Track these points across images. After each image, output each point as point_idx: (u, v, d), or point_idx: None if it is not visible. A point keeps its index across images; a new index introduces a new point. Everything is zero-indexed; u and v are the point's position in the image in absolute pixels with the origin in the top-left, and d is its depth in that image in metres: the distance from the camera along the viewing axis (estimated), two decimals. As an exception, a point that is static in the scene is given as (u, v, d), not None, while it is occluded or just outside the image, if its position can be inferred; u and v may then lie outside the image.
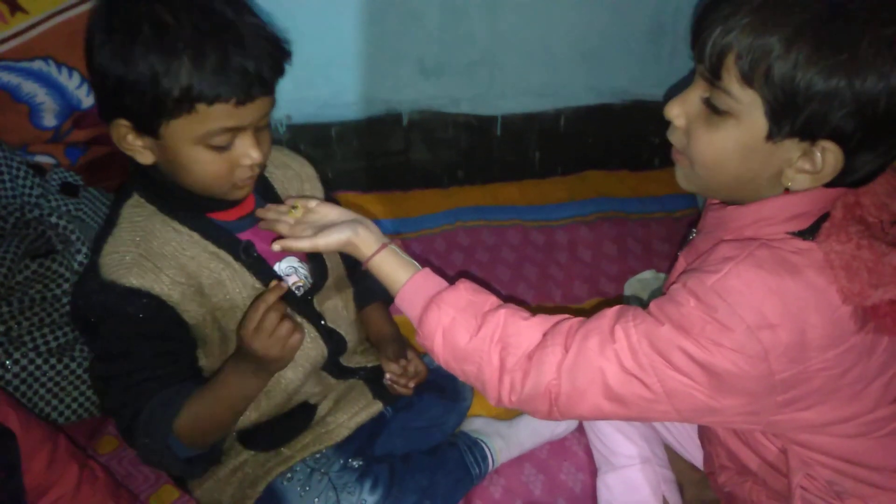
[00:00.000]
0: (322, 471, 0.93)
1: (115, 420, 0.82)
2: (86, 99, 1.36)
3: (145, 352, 0.80)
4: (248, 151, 0.76)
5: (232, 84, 0.70)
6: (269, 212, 0.87)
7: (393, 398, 1.02)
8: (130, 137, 0.75)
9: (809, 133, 0.61)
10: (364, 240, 0.79)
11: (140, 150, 0.76)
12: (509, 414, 1.19)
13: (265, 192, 0.93)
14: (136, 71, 0.69)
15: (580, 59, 1.73)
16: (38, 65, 1.32)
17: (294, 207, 0.86)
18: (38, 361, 1.02)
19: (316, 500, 0.92)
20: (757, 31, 0.59)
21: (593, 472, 1.07)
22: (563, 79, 1.75)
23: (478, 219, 1.70)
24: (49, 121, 1.35)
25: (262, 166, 0.81)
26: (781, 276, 0.63)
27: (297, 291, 0.92)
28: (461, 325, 0.73)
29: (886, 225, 0.66)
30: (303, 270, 0.94)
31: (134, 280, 0.77)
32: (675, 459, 1.04)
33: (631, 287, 1.48)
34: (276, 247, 0.80)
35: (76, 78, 1.35)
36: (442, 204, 1.74)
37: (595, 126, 1.83)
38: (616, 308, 0.71)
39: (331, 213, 0.84)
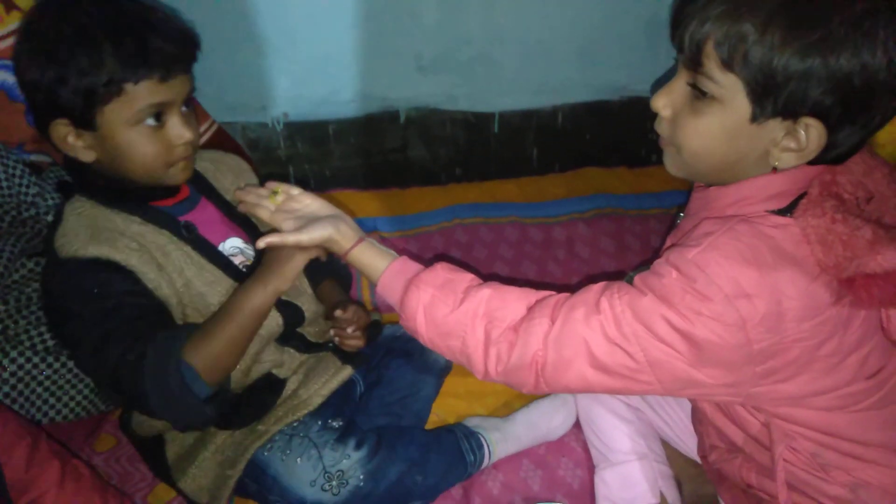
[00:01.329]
0: (301, 434, 0.95)
1: (121, 374, 0.77)
2: (82, 97, 1.36)
3: (129, 304, 0.80)
4: (180, 131, 0.83)
5: (153, 62, 0.78)
6: (249, 194, 0.90)
7: (360, 360, 1.05)
8: (71, 138, 0.81)
9: (791, 111, 0.63)
10: (344, 234, 0.83)
11: (81, 149, 0.82)
12: (507, 409, 1.19)
13: (198, 183, 0.97)
14: (66, 68, 0.76)
15: (577, 55, 1.73)
16: (34, 63, 1.32)
17: (275, 192, 0.88)
18: (36, 360, 1.02)
19: (298, 459, 0.93)
20: (732, 17, 0.61)
21: (591, 468, 1.07)
22: (561, 75, 1.75)
23: (475, 216, 1.70)
24: (45, 119, 1.34)
25: (195, 147, 0.87)
26: (758, 249, 0.64)
27: (244, 270, 0.95)
28: (441, 301, 0.75)
29: (862, 202, 0.68)
30: (249, 251, 0.97)
31: (92, 250, 0.80)
32: (673, 456, 1.04)
33: (629, 283, 1.48)
34: (261, 244, 0.83)
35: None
36: (440, 201, 1.74)
37: (592, 122, 1.83)
38: (602, 283, 0.73)
39: (312, 203, 0.88)
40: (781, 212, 0.68)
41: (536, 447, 1.15)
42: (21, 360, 1.01)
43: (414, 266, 0.81)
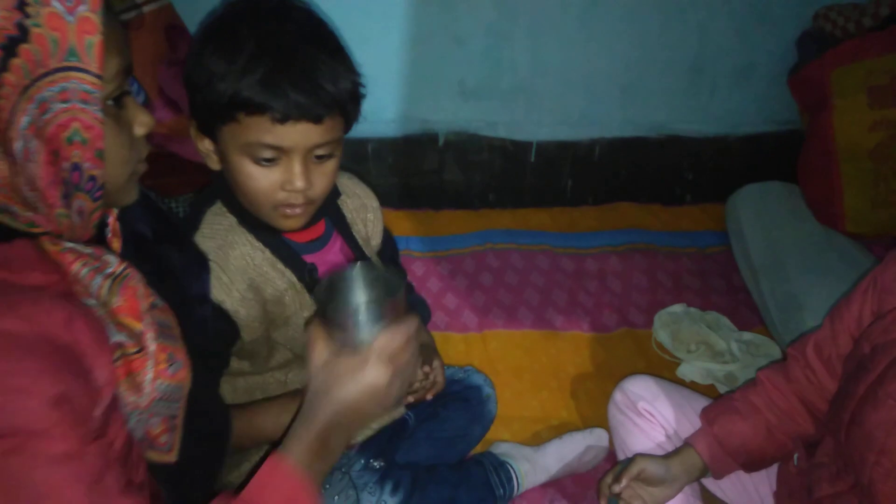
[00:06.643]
0: (343, 470, 0.94)
1: None
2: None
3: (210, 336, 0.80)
4: (291, 176, 0.76)
5: (271, 100, 0.72)
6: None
7: (413, 402, 1.02)
8: (198, 139, 0.80)
9: None
10: None
11: (209, 153, 0.80)
12: (536, 439, 1.18)
13: (337, 219, 0.95)
14: (201, 71, 0.74)
15: (619, 91, 1.75)
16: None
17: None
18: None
19: (336, 497, 0.92)
20: None
21: (620, 503, 1.05)
22: (601, 110, 1.76)
23: (508, 242, 1.70)
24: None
25: (309, 199, 0.79)
26: None
27: None
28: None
29: None
30: None
31: (215, 293, 0.80)
32: (706, 493, 1.02)
33: (660, 320, 1.47)
34: None
35: (134, 87, 1.38)
36: (472, 225, 1.75)
37: (629, 158, 1.84)
38: None
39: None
40: None
41: (564, 479, 1.14)
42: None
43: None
